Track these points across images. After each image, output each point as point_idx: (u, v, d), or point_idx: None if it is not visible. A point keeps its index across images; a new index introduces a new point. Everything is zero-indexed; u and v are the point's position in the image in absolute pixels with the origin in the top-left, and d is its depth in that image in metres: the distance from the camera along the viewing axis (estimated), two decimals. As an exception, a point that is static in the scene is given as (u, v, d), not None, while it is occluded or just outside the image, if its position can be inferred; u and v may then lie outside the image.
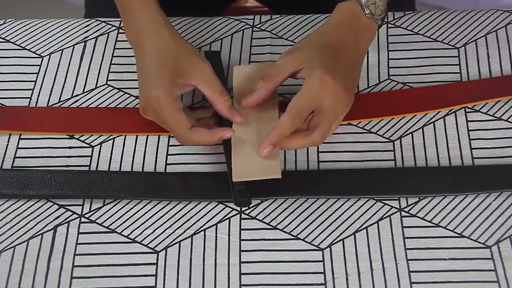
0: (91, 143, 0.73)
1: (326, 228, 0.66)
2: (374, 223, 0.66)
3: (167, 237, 0.66)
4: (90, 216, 0.68)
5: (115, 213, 0.68)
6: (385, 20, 0.77)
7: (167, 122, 0.69)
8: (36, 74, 0.79)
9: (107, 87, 0.78)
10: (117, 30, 0.83)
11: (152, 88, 0.68)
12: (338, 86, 0.66)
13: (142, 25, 0.72)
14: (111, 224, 0.67)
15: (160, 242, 0.66)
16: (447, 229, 0.66)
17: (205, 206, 0.68)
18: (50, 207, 0.68)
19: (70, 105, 0.76)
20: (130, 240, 0.66)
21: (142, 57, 0.71)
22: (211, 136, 0.68)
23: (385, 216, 0.67)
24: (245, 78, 0.73)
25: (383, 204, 0.67)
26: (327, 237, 0.66)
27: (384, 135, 0.73)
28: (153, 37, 0.72)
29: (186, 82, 0.70)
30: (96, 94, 0.77)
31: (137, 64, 0.72)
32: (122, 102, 0.77)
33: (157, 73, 0.69)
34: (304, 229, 0.66)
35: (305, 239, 0.66)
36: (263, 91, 0.70)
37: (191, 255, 0.65)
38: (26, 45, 0.82)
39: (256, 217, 0.67)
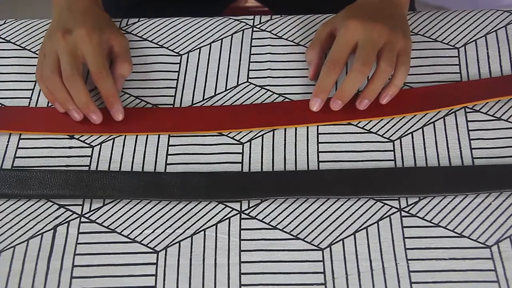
0: (91, 143, 0.73)
1: (326, 228, 0.66)
2: (374, 223, 0.66)
3: (167, 237, 0.66)
4: (90, 216, 0.68)
5: (115, 213, 0.68)
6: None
7: (90, 51, 0.72)
8: (35, 74, 0.79)
9: (107, 87, 0.78)
10: (117, 30, 0.83)
11: (86, 24, 0.73)
12: (363, 22, 0.72)
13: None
14: (111, 224, 0.67)
15: (160, 242, 0.66)
16: (447, 229, 0.66)
17: (205, 206, 0.68)
18: (50, 207, 0.68)
19: (70, 105, 0.76)
20: (130, 240, 0.66)
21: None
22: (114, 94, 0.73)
23: (385, 216, 0.67)
24: None
25: (383, 204, 0.67)
26: (327, 237, 0.66)
27: (384, 135, 0.73)
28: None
29: (108, 38, 0.76)
30: (96, 94, 0.77)
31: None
32: (122, 102, 0.76)
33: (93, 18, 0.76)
34: (304, 229, 0.66)
35: (305, 239, 0.66)
36: (314, 59, 0.76)
37: (191, 255, 0.65)
38: (26, 45, 0.82)
39: (256, 217, 0.67)
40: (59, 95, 0.72)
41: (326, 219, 0.67)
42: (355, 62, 0.70)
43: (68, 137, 0.74)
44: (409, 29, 0.75)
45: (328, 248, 0.65)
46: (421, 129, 0.73)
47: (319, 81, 0.72)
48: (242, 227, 0.67)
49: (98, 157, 0.72)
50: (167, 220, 0.67)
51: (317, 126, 0.73)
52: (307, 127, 0.73)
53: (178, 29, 0.83)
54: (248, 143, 0.72)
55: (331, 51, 0.72)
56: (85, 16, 0.75)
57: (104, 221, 0.67)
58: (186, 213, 0.68)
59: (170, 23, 0.83)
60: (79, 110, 0.73)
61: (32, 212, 0.68)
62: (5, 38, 0.83)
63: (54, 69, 0.72)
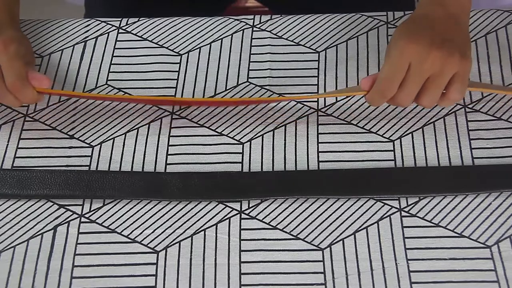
0: (91, 143, 0.73)
1: (326, 228, 0.66)
2: (374, 223, 0.66)
3: (167, 237, 0.66)
4: (90, 216, 0.68)
5: (115, 213, 0.68)
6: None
7: (4, 62, 0.70)
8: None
9: (107, 87, 0.78)
10: (117, 30, 0.83)
11: (3, 35, 0.71)
12: (418, 44, 0.65)
13: None
14: (111, 224, 0.67)
15: (160, 242, 0.66)
16: (447, 229, 0.66)
17: (205, 206, 0.68)
18: (50, 207, 0.68)
19: (70, 105, 0.76)
20: (130, 240, 0.66)
21: None
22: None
23: (385, 216, 0.67)
24: None
25: (383, 204, 0.67)
26: (327, 237, 0.66)
27: (384, 135, 0.73)
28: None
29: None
30: (96, 94, 0.77)
31: None
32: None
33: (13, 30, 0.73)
34: (304, 229, 0.66)
35: (305, 239, 0.66)
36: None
37: (191, 255, 0.65)
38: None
39: (256, 217, 0.67)
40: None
41: (326, 219, 0.67)
42: (398, 93, 0.67)
43: (68, 137, 0.74)
44: (470, 48, 0.68)
45: (328, 248, 0.65)
46: (421, 129, 0.73)
47: (369, 96, 0.69)
48: (242, 227, 0.67)
49: (98, 157, 0.72)
50: (167, 220, 0.67)
51: (317, 126, 0.73)
52: (307, 127, 0.73)
53: (178, 29, 0.83)
54: (248, 143, 0.72)
55: (383, 73, 0.67)
56: (2, 28, 0.73)
57: (104, 221, 0.67)
58: (186, 213, 0.68)
59: (170, 23, 0.83)
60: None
61: (32, 212, 0.68)
62: None
63: None
